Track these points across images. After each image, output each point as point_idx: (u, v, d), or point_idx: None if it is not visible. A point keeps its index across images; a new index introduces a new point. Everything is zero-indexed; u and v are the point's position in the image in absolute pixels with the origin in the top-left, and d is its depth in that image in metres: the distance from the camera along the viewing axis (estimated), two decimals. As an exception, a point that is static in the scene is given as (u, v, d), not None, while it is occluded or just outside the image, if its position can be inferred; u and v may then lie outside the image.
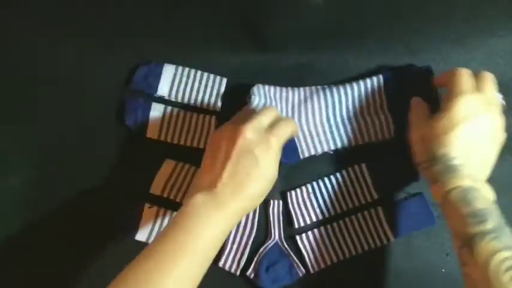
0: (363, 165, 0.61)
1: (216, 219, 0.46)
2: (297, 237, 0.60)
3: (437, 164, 0.50)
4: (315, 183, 0.61)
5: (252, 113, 0.52)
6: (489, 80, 0.54)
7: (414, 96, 0.58)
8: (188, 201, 0.47)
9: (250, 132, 0.49)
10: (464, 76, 0.53)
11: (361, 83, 0.62)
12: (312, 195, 0.61)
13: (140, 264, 0.45)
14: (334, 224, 0.60)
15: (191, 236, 0.45)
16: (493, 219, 0.45)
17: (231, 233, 0.60)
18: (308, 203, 0.61)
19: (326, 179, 0.61)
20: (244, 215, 0.51)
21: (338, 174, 0.61)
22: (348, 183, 0.61)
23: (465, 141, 0.50)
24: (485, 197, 0.48)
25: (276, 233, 0.60)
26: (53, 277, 0.60)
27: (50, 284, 0.60)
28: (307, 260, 0.60)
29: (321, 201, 0.60)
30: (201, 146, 0.62)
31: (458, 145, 0.50)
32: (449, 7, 0.62)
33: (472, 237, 0.45)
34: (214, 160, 0.49)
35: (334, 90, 0.62)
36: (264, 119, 0.51)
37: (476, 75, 0.54)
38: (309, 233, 0.60)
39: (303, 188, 0.61)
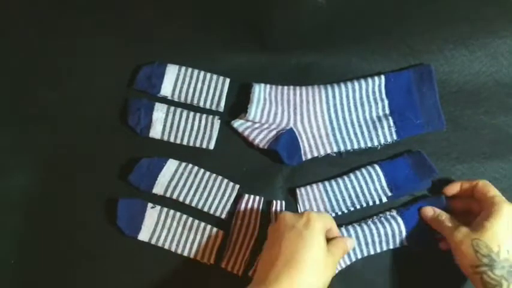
0: (376, 166, 0.61)
1: None
2: None
3: (497, 268, 0.50)
4: (326, 182, 0.61)
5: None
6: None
7: (425, 207, 0.59)
8: None
9: (287, 214, 0.52)
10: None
11: (363, 84, 0.62)
12: (323, 192, 0.60)
13: None
14: (350, 227, 0.60)
15: None
16: None
17: (233, 233, 0.60)
18: (318, 198, 0.60)
19: (339, 178, 0.61)
20: None
21: (352, 174, 0.61)
22: (362, 181, 0.60)
23: None
24: None
25: (279, 234, 0.60)
26: (54, 277, 0.60)
27: (50, 284, 0.60)
28: None
29: (332, 197, 0.60)
30: (204, 146, 0.62)
31: None
32: (452, 8, 0.63)
33: None
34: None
35: (336, 91, 0.62)
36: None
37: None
38: None
39: (314, 185, 0.61)
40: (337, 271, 0.57)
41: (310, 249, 0.49)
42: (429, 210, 0.58)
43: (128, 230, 0.59)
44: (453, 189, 0.59)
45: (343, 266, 0.59)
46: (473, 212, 0.56)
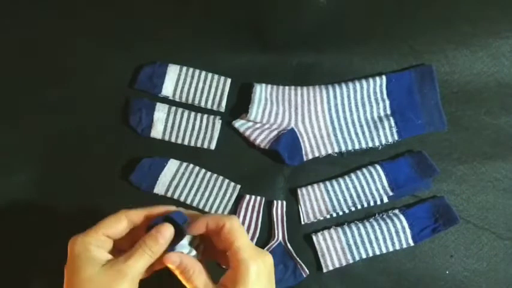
0: (377, 166, 0.61)
1: None
2: (313, 236, 0.60)
3: None
4: (327, 182, 0.61)
5: None
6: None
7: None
8: None
9: None
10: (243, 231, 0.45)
11: (365, 84, 0.62)
12: (324, 192, 0.60)
13: None
14: (352, 225, 0.60)
15: None
16: None
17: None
18: (320, 198, 0.60)
19: (340, 178, 0.61)
20: None
21: (353, 174, 0.61)
22: (363, 181, 0.61)
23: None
24: None
25: (280, 234, 0.60)
26: (54, 277, 0.60)
27: (50, 283, 0.60)
28: (321, 258, 0.59)
29: (333, 197, 0.60)
30: (205, 147, 0.61)
31: None
32: (454, 8, 0.63)
33: None
34: None
35: (338, 91, 0.62)
36: None
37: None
38: (325, 232, 0.60)
39: (315, 185, 0.61)
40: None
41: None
42: (175, 259, 0.45)
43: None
44: (198, 229, 0.45)
45: (344, 264, 0.59)
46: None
